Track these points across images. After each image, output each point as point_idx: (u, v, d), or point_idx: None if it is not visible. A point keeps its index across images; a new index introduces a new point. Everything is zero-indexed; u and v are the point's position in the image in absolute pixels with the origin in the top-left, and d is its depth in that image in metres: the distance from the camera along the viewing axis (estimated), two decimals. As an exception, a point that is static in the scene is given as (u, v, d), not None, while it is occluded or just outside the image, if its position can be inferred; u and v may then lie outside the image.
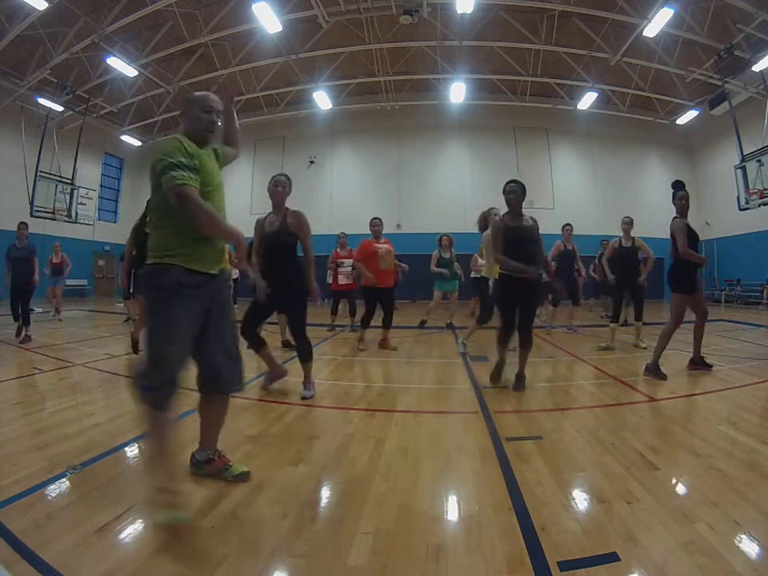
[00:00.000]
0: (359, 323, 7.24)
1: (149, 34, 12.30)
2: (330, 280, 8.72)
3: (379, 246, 5.34)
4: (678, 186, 4.02)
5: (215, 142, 1.98)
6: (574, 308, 7.01)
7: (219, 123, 1.91)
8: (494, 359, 4.74)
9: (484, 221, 5.12)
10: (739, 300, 14.12)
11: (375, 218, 5.49)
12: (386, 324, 5.43)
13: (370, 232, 5.48)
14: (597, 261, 8.67)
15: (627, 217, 5.69)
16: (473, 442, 2.37)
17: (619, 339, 6.30)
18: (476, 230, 5.21)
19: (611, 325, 5.58)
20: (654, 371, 3.82)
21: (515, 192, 3.44)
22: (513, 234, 3.41)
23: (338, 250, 7.33)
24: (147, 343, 1.70)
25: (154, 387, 1.65)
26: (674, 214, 4.01)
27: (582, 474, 2.00)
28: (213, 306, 1.79)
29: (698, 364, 4.09)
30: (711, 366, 4.08)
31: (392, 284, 5.42)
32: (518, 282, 3.38)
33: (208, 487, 1.84)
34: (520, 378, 3.52)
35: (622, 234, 5.64)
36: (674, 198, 4.02)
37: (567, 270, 6.69)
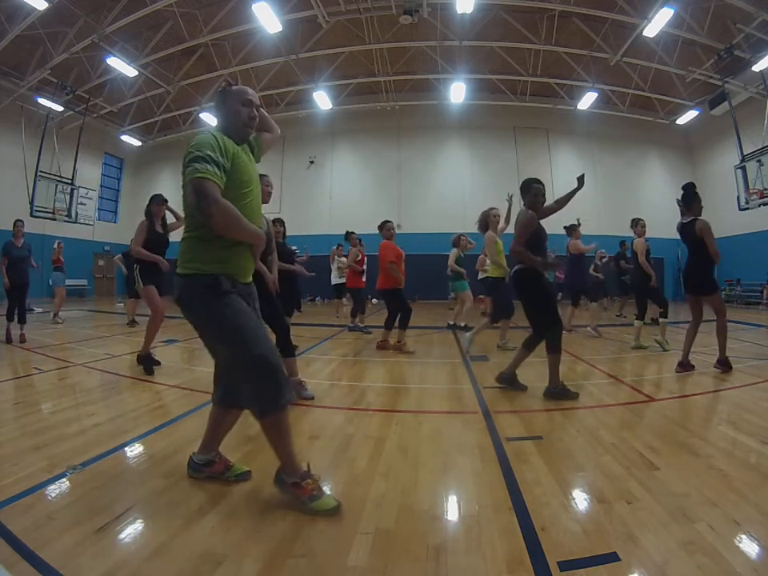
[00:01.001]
0: (358, 324, 7.29)
1: (149, 34, 12.31)
2: (340, 280, 8.69)
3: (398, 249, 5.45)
4: (693, 187, 4.07)
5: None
6: (575, 309, 7.01)
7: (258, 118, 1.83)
8: (495, 360, 4.75)
9: (484, 221, 5.10)
10: (739, 300, 14.13)
11: (389, 221, 5.47)
12: (402, 325, 5.39)
13: (381, 234, 5.45)
14: (614, 262, 8.75)
15: (643, 219, 5.72)
16: (473, 442, 2.37)
17: (620, 339, 6.32)
18: (476, 230, 5.20)
19: (662, 320, 5.53)
20: (725, 363, 4.01)
21: (544, 194, 3.40)
22: (543, 235, 3.40)
23: (361, 250, 7.44)
24: (242, 357, 1.63)
25: (284, 392, 1.65)
26: (677, 215, 4.06)
27: (582, 473, 2.00)
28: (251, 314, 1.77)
29: (686, 366, 4.09)
30: (693, 367, 4.10)
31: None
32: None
33: (208, 487, 1.84)
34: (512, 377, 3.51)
35: (639, 235, 5.61)
36: (687, 200, 4.06)
37: (581, 270, 6.72)
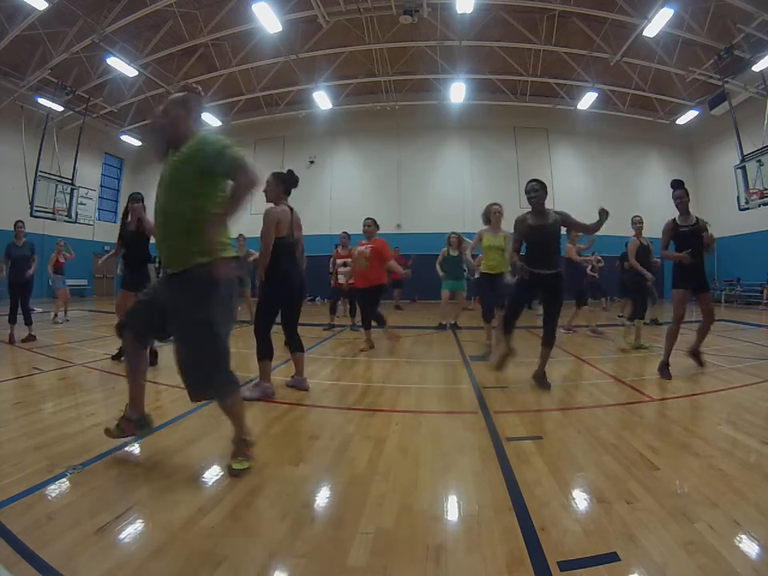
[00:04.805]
0: (359, 323, 7.28)
1: (149, 34, 12.29)
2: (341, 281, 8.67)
3: (360, 248, 5.27)
4: (676, 185, 4.02)
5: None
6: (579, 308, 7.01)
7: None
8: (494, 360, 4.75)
9: (486, 215, 5.13)
10: (739, 300, 14.12)
11: (367, 219, 5.34)
12: (363, 324, 5.42)
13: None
14: (618, 262, 8.77)
15: (638, 216, 5.67)
16: (473, 442, 2.37)
17: (620, 339, 6.31)
18: (476, 231, 5.21)
19: (638, 322, 5.54)
20: (699, 359, 4.04)
21: (536, 191, 3.42)
22: (534, 235, 3.41)
23: (339, 249, 7.35)
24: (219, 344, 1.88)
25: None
26: (672, 213, 4.07)
27: (581, 473, 2.00)
28: None
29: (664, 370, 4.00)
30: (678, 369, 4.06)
31: (366, 285, 5.18)
32: (539, 277, 3.43)
33: (208, 487, 1.84)
34: (541, 376, 3.52)
35: (637, 234, 5.60)
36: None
37: (580, 271, 6.77)
